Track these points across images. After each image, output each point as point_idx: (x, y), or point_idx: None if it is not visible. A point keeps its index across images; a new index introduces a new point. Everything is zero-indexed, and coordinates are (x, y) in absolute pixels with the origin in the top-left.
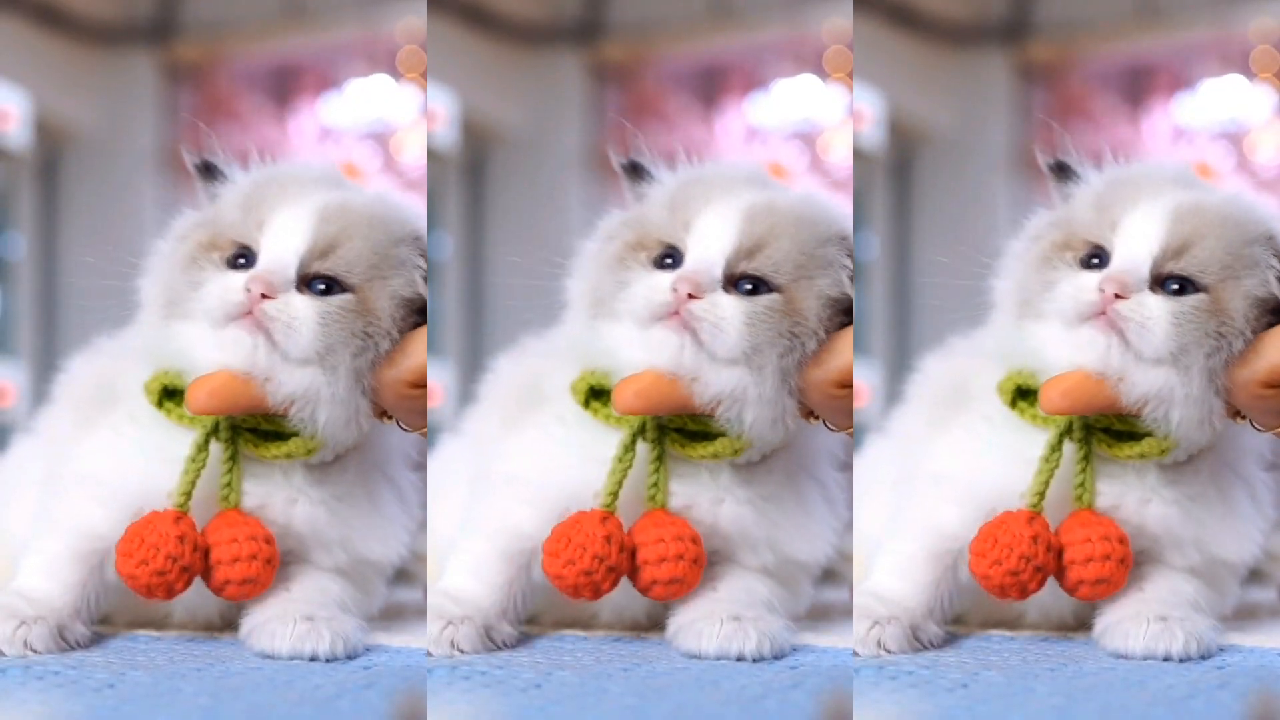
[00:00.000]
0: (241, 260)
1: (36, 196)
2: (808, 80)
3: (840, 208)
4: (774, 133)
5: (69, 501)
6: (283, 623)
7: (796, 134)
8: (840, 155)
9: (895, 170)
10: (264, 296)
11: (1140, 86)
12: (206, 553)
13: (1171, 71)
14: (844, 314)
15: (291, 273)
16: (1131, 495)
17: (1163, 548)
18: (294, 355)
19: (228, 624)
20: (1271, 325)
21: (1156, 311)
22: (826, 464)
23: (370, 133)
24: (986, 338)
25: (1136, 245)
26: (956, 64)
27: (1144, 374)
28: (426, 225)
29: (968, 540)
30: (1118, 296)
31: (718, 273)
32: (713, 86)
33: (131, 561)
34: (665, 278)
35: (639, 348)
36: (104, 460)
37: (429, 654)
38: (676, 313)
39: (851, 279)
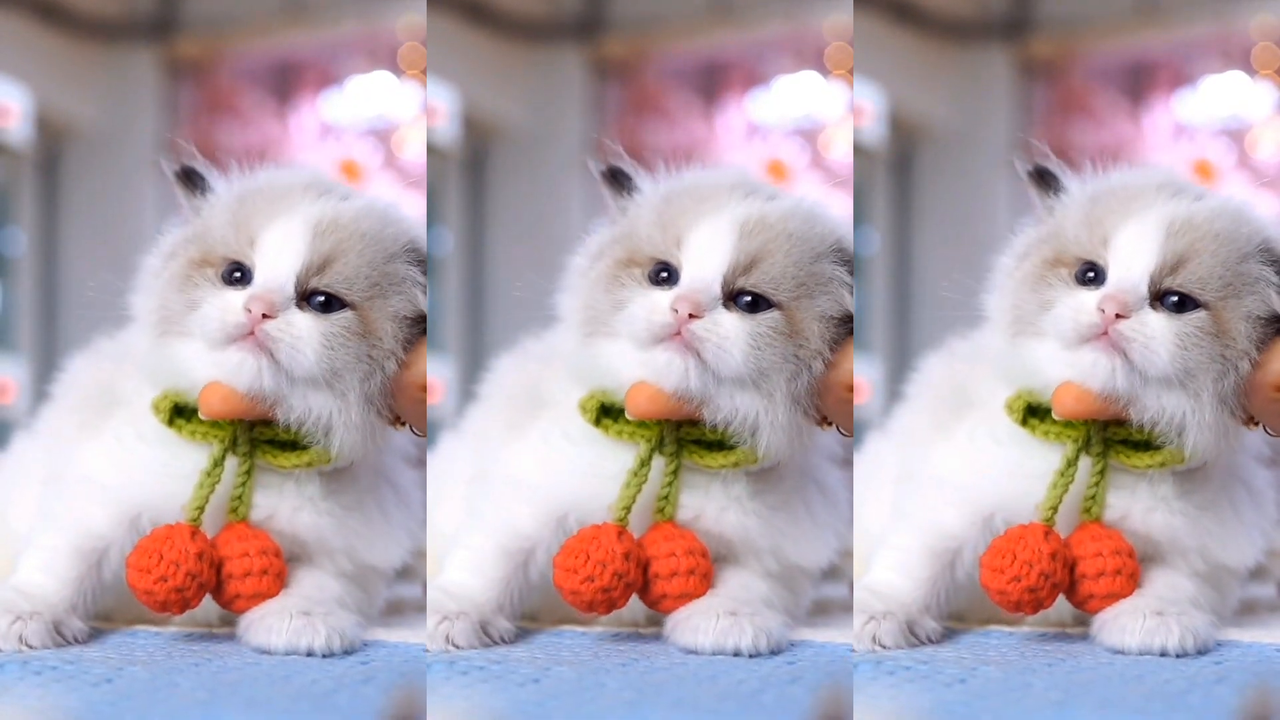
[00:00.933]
0: (237, 274)
1: (37, 192)
2: (808, 77)
3: (834, 213)
4: (775, 129)
5: (69, 501)
6: (279, 618)
7: (797, 130)
8: (841, 152)
9: (896, 166)
10: (265, 316)
11: (1141, 83)
12: (219, 567)
13: (1172, 68)
14: (847, 327)
15: (290, 289)
16: (1138, 505)
17: (1166, 554)
18: (299, 375)
19: (225, 620)
20: (1276, 336)
21: (1159, 330)
22: (829, 465)
23: (371, 129)
24: (985, 341)
25: (1132, 262)
26: (957, 60)
27: (1154, 398)
28: (426, 221)
29: (966, 541)
30: (1119, 316)
31: (716, 290)
32: (713, 83)
33: (150, 577)
34: (663, 296)
35: (641, 367)
36: (105, 464)
37: (426, 649)
38: (678, 333)
39: (851, 286)
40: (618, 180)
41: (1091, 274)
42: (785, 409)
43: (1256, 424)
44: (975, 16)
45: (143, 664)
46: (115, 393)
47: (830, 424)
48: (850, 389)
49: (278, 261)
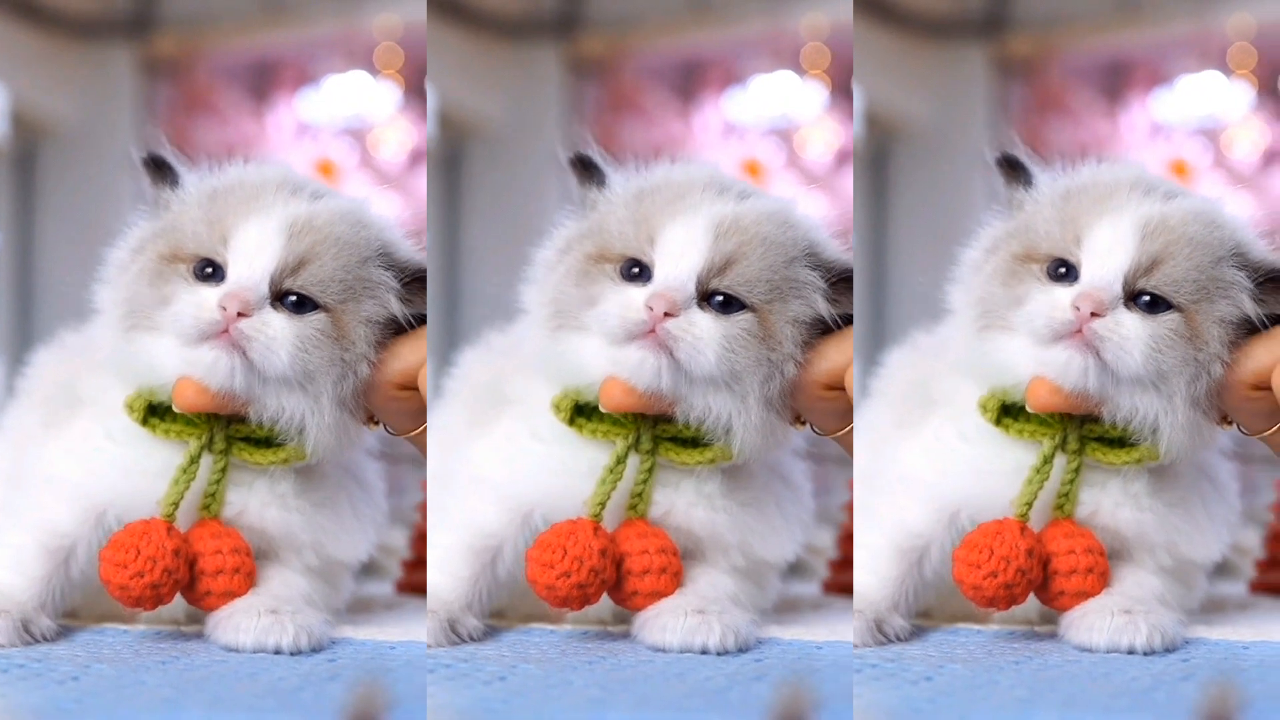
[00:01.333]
0: (209, 271)
1: (13, 190)
2: (785, 76)
3: (809, 215)
4: (751, 129)
5: (35, 498)
6: (247, 616)
7: (773, 130)
8: (817, 151)
9: (872, 164)
10: (239, 315)
11: (1118, 82)
12: (192, 564)
13: (1149, 67)
14: (819, 330)
15: (265, 289)
16: (1107, 501)
17: (1133, 549)
18: (272, 375)
19: (193, 618)
20: (1250, 336)
21: (1133, 331)
22: (793, 459)
23: (347, 129)
24: (949, 335)
25: (1106, 261)
26: (934, 58)
27: (1127, 398)
28: (407, 221)
29: (932, 539)
30: (1093, 315)
31: (691, 289)
32: (691, 82)
33: (126, 573)
34: (637, 293)
35: (612, 364)
36: (71, 461)
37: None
38: (652, 331)
39: (823, 289)
40: (586, 170)
41: (1063, 270)
42: (758, 410)
43: (1230, 423)
44: (953, 14)
45: (109, 662)
46: (80, 388)
47: (804, 423)
48: (827, 388)
49: (252, 260)
